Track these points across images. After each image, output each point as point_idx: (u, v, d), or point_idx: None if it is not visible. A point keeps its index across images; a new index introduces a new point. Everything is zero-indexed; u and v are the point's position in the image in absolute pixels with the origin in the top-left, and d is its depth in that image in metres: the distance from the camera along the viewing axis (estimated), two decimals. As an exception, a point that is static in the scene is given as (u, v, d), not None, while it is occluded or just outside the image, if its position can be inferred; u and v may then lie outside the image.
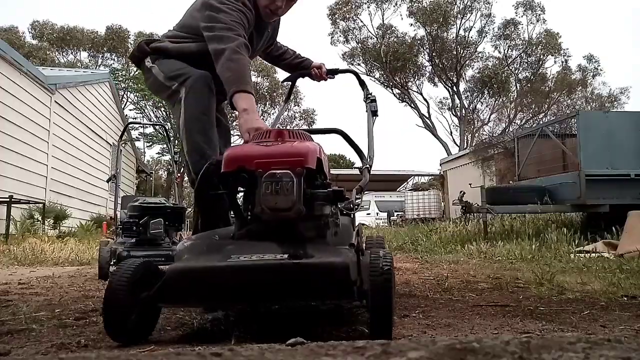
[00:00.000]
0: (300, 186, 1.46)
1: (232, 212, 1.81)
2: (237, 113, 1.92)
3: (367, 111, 2.49)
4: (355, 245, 1.42)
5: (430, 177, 29.68)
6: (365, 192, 2.18)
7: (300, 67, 2.71)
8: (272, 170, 1.45)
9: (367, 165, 2.20)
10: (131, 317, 1.35)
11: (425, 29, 25.53)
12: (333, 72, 2.73)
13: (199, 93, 2.05)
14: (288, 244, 1.45)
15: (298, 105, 30.34)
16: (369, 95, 2.53)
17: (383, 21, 26.59)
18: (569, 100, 22.67)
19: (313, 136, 2.48)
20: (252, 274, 1.35)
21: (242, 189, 1.69)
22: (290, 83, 2.86)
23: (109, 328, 1.35)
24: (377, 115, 2.50)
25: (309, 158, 1.50)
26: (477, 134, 24.11)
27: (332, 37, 26.86)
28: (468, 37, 25.90)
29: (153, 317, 1.50)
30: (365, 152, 2.29)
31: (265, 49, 2.62)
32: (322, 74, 2.68)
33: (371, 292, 1.28)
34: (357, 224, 1.90)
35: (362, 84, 2.66)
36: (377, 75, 26.66)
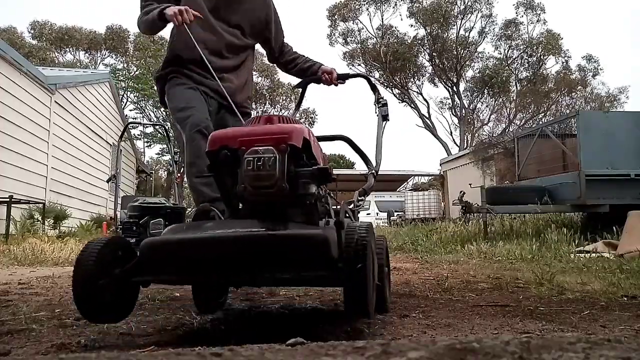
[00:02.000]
0: (284, 163, 1.40)
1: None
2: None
3: (377, 115, 2.48)
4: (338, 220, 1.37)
5: (430, 177, 29.65)
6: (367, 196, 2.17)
7: (310, 71, 2.70)
8: (254, 147, 1.41)
9: (373, 171, 2.20)
10: (104, 295, 1.33)
11: (426, 29, 25.52)
12: (344, 77, 2.70)
13: (194, 143, 2.26)
14: (270, 221, 1.41)
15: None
16: (380, 100, 2.50)
17: (382, 22, 26.61)
18: (569, 100, 22.66)
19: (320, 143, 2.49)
20: (226, 245, 1.32)
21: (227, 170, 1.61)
22: (301, 90, 2.84)
23: (80, 306, 1.33)
24: (388, 120, 2.48)
25: (293, 135, 1.44)
26: (477, 134, 24.10)
27: (330, 39, 26.88)
28: (468, 38, 25.92)
29: (131, 294, 1.48)
30: (371, 156, 2.29)
31: (276, 46, 2.71)
32: (332, 80, 2.66)
33: (345, 266, 1.23)
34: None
35: (374, 88, 2.65)
36: (377, 75, 26.66)
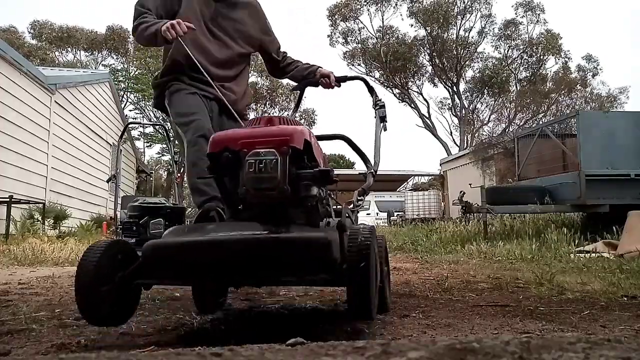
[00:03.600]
0: (285, 166, 1.40)
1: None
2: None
3: (375, 117, 2.49)
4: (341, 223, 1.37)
5: (430, 177, 29.65)
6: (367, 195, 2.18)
7: (309, 75, 2.70)
8: (256, 149, 1.41)
9: (372, 170, 2.21)
10: (108, 300, 1.33)
11: (426, 29, 25.52)
12: (341, 80, 2.71)
13: (197, 147, 2.24)
14: (273, 223, 1.41)
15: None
16: (378, 102, 2.51)
17: (383, 22, 26.61)
18: (569, 100, 22.65)
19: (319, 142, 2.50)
20: (229, 248, 1.32)
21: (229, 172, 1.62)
22: (299, 92, 2.85)
23: (83, 310, 1.33)
24: (386, 121, 2.49)
25: (295, 138, 1.45)
26: (477, 134, 24.09)
27: (331, 39, 26.88)
28: (468, 38, 25.92)
29: (133, 298, 1.47)
30: (370, 156, 2.30)
31: (265, 54, 2.72)
32: (330, 83, 2.67)
33: (348, 268, 1.24)
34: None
35: (371, 90, 2.65)
36: (377, 75, 26.66)
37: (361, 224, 2.08)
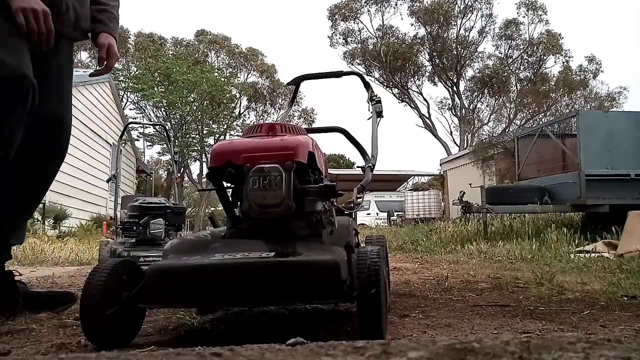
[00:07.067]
0: (290, 181, 1.39)
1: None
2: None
3: (371, 112, 2.49)
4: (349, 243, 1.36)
5: (430, 177, 29.64)
6: (366, 192, 2.17)
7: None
8: (259, 165, 1.40)
9: (370, 164, 2.20)
10: (111, 319, 1.30)
11: (426, 29, 25.51)
12: (338, 74, 2.72)
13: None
14: (278, 242, 1.40)
15: (298, 105, 30.35)
16: (374, 97, 2.52)
17: (383, 22, 26.59)
18: (569, 100, 22.62)
19: (316, 135, 2.50)
20: (236, 272, 1.30)
21: (231, 185, 1.62)
22: (294, 87, 2.85)
23: (86, 330, 1.30)
24: (382, 117, 2.50)
25: (299, 151, 1.44)
26: (477, 134, 24.08)
27: (331, 40, 26.88)
28: (469, 37, 25.90)
29: (137, 319, 1.45)
30: (368, 151, 2.30)
31: None
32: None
33: (359, 291, 1.23)
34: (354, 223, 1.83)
35: (367, 85, 2.66)
36: (377, 75, 26.65)
37: (369, 242, 2.07)
